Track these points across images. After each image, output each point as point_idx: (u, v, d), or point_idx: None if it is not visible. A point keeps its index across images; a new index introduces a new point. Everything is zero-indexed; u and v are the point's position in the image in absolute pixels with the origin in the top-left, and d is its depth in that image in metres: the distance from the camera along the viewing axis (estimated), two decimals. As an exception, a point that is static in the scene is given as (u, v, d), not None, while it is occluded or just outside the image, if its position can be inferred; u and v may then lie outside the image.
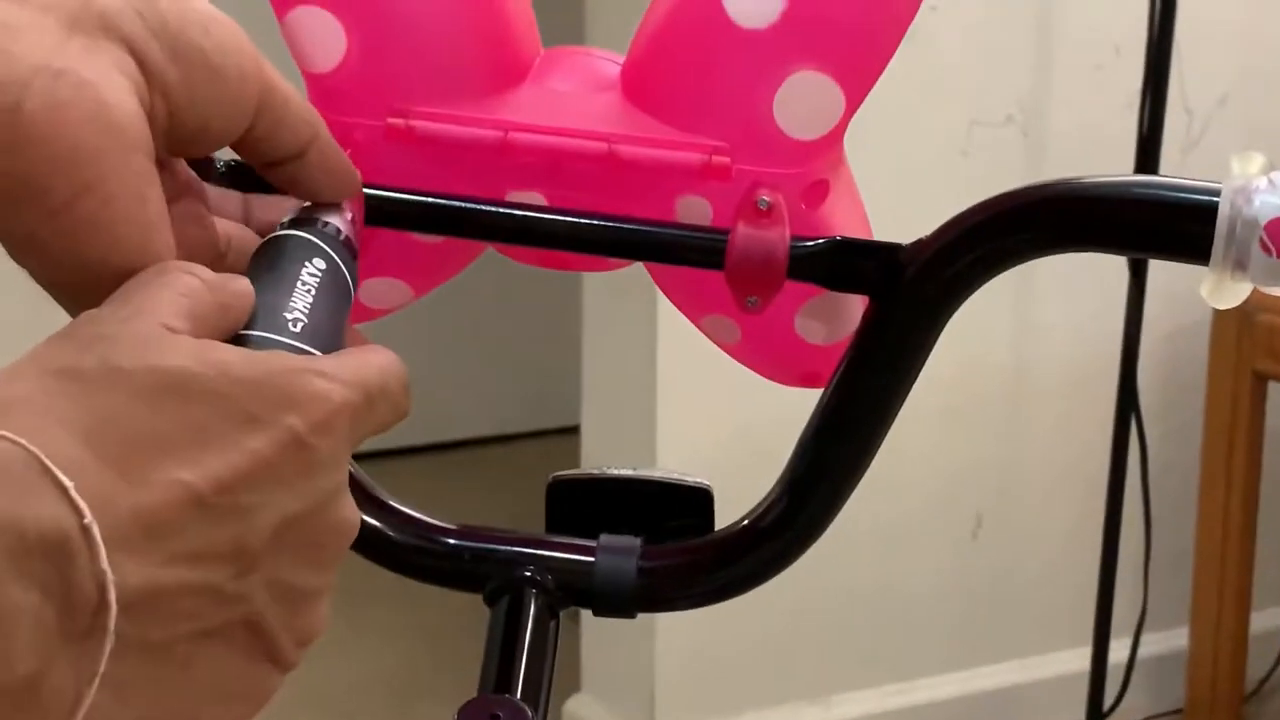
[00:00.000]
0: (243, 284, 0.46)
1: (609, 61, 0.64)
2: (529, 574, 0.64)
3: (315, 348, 0.46)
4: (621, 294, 2.07)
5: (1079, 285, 2.17)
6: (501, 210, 0.60)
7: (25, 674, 0.35)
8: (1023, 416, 2.23)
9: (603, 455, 2.19)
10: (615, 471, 0.68)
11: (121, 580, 0.36)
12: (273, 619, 0.40)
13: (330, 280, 0.49)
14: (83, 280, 0.43)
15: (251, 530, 0.39)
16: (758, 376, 0.68)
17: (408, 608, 2.44)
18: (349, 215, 0.53)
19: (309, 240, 0.50)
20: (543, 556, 0.64)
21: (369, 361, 0.44)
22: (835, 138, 0.61)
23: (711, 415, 2.06)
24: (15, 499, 0.35)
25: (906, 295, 0.60)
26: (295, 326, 0.46)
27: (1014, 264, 0.59)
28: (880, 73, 0.60)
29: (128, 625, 0.37)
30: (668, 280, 0.65)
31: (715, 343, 0.66)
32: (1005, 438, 2.23)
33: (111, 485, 0.37)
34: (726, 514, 0.66)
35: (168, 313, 0.42)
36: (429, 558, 0.64)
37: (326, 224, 0.51)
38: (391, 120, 0.60)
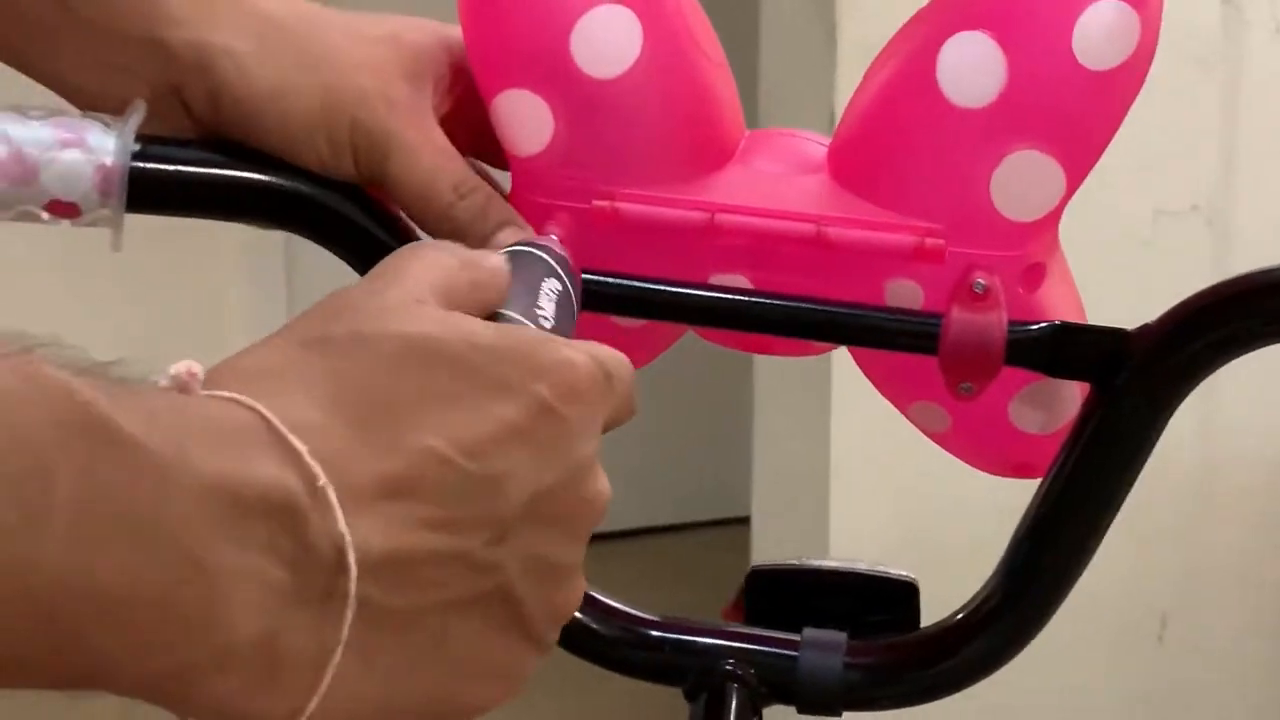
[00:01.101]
0: (497, 260, 0.46)
1: (815, 143, 0.62)
2: (730, 668, 0.62)
3: None
4: (794, 382, 2.05)
5: (1269, 382, 2.10)
6: (709, 294, 0.59)
7: (254, 634, 0.34)
8: (1210, 516, 2.15)
9: (773, 547, 2.15)
10: (817, 563, 0.65)
11: (363, 543, 0.36)
12: (526, 592, 0.39)
13: (565, 300, 0.50)
14: None
15: (503, 498, 0.38)
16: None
17: (573, 695, 2.42)
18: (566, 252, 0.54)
19: (546, 260, 0.50)
20: (745, 650, 0.62)
21: (601, 346, 0.44)
22: (1053, 219, 0.59)
23: (886, 507, 2.02)
24: (235, 461, 0.35)
25: (1133, 382, 0.57)
26: (545, 324, 0.46)
27: (1247, 350, 0.56)
28: (1102, 151, 0.58)
29: (374, 590, 0.36)
30: (874, 366, 0.63)
31: (923, 431, 0.64)
32: (1191, 538, 2.15)
33: (353, 449, 0.36)
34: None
35: (417, 286, 0.41)
36: (628, 649, 0.63)
37: (558, 253, 0.51)
38: (597, 203, 0.59)
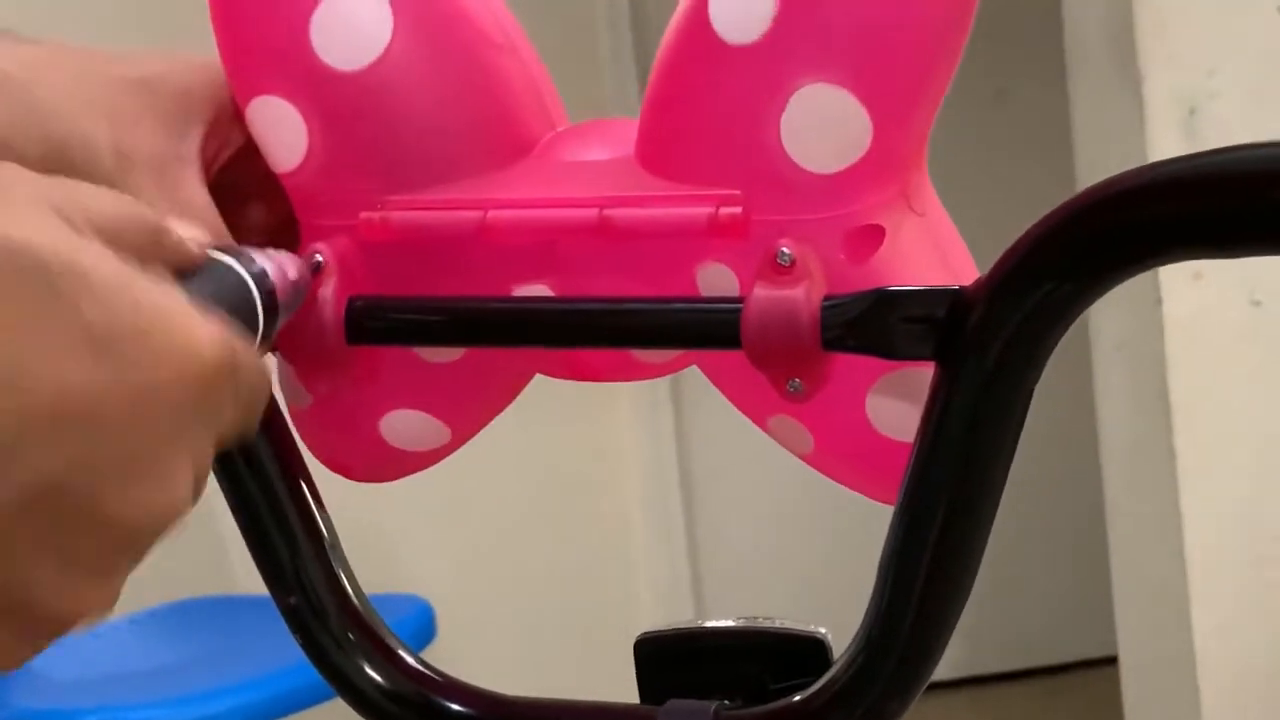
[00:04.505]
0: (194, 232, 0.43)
1: (634, 127, 0.53)
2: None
3: None
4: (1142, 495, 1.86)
5: None
6: (469, 306, 0.51)
7: None
8: None
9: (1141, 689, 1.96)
10: (712, 624, 0.55)
11: None
12: None
13: (236, 301, 0.44)
14: None
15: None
16: None
17: None
18: (290, 271, 0.48)
19: (232, 268, 0.45)
20: (600, 732, 0.52)
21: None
22: (876, 170, 0.48)
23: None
24: None
25: (975, 349, 0.45)
26: None
27: (1119, 279, 0.43)
28: (922, 82, 0.47)
29: None
30: (722, 377, 0.53)
31: (792, 453, 0.53)
32: None
33: None
34: None
35: (69, 202, 0.37)
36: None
37: (253, 261, 0.46)
38: (365, 215, 0.52)
